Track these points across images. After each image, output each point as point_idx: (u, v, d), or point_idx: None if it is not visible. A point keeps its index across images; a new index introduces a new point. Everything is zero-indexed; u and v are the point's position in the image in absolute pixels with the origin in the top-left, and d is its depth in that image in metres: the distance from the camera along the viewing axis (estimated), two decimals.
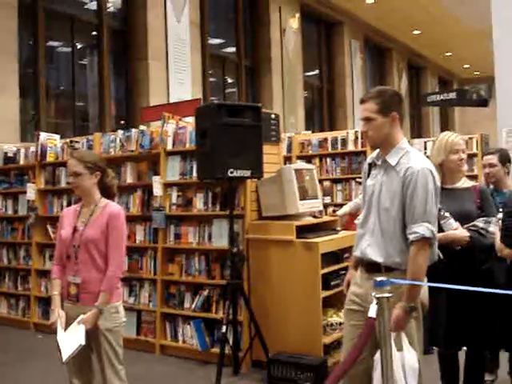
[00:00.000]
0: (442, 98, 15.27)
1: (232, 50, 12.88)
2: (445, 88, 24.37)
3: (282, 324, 4.79)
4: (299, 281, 4.70)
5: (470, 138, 7.75)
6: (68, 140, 6.56)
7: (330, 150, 7.63)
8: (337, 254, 4.96)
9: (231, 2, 12.87)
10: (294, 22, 13.90)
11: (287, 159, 7.56)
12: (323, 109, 16.07)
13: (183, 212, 5.50)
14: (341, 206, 6.18)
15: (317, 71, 16.04)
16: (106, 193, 3.45)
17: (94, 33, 9.92)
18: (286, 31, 13.59)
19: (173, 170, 5.55)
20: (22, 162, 6.91)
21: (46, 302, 6.44)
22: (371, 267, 2.90)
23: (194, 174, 5.31)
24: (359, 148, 7.33)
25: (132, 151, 5.82)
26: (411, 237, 2.75)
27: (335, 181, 7.60)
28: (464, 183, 3.67)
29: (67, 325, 3.20)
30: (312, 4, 14.71)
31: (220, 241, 5.22)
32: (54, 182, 6.57)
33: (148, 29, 10.08)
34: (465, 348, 3.66)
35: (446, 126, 24.43)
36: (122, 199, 5.87)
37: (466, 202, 3.56)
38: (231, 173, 4.58)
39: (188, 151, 5.43)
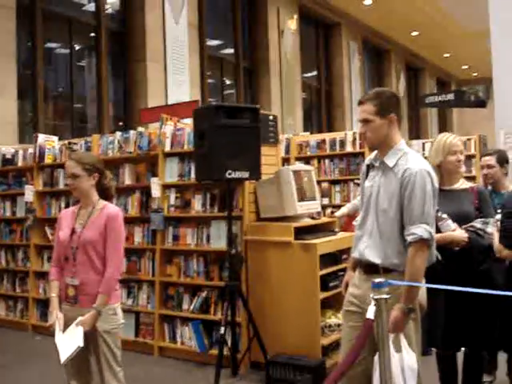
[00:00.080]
0: (440, 99, 15.29)
1: (230, 51, 12.89)
2: (443, 89, 24.41)
3: (281, 325, 4.79)
4: (297, 282, 4.70)
5: (468, 139, 7.76)
6: (66, 142, 6.56)
7: (328, 151, 7.63)
8: (335, 256, 4.96)
9: (229, 4, 12.90)
10: (292, 24, 13.92)
11: (285, 160, 7.56)
12: (321, 110, 16.09)
13: (181, 213, 5.50)
14: (339, 207, 6.17)
15: (315, 72, 16.06)
16: (104, 194, 3.45)
17: (92, 34, 9.93)
18: (284, 32, 13.61)
19: (171, 171, 5.55)
20: (20, 164, 6.90)
21: (44, 304, 6.43)
22: (369, 268, 2.91)
23: (192, 175, 5.31)
24: (357, 149, 7.33)
25: (130, 153, 5.82)
26: (409, 238, 2.75)
27: (333, 182, 7.60)
28: (462, 184, 3.67)
29: (65, 327, 3.20)
30: (310, 5, 14.74)
31: (218, 242, 5.22)
32: (52, 183, 6.56)
33: (146, 30, 10.10)
34: (463, 349, 3.66)
35: (444, 127, 24.47)
36: (121, 201, 5.86)
37: (464, 203, 3.56)
38: (229, 174, 4.58)
39: (186, 153, 5.43)
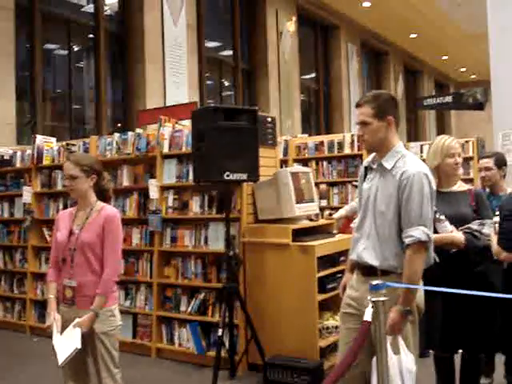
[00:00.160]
0: (438, 101, 15.30)
1: (229, 53, 12.89)
2: (441, 91, 24.42)
3: (278, 327, 4.79)
4: (295, 284, 4.70)
5: (466, 142, 7.77)
6: (64, 143, 6.55)
7: (326, 153, 7.64)
8: (333, 258, 4.96)
9: (228, 5, 12.90)
10: (290, 26, 13.92)
11: (284, 162, 7.55)
12: (320, 112, 16.09)
13: (179, 215, 5.50)
14: (337, 209, 6.17)
15: (313, 74, 16.06)
16: (102, 196, 3.45)
17: (91, 35, 9.92)
18: (283, 34, 13.61)
19: (169, 173, 5.56)
20: (18, 165, 6.89)
21: (41, 306, 6.42)
22: (367, 271, 2.91)
23: (191, 177, 5.31)
24: (355, 151, 7.34)
25: (128, 154, 5.82)
26: (407, 240, 2.76)
27: (331, 184, 7.60)
28: (459, 187, 3.67)
29: (63, 328, 3.19)
30: (309, 7, 14.74)
31: (216, 244, 5.22)
32: (50, 184, 6.56)
33: (145, 32, 10.09)
34: (461, 351, 3.66)
35: (442, 129, 24.49)
36: (119, 202, 5.86)
37: (462, 205, 3.56)
38: (227, 176, 4.58)
39: (184, 154, 5.43)
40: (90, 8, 9.93)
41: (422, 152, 7.59)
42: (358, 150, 7.26)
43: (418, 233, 2.73)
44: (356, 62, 17.07)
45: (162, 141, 5.55)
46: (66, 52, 9.67)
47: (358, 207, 3.15)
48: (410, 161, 2.86)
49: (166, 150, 5.56)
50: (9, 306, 6.88)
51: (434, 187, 2.89)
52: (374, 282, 2.50)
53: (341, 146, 7.49)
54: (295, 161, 7.84)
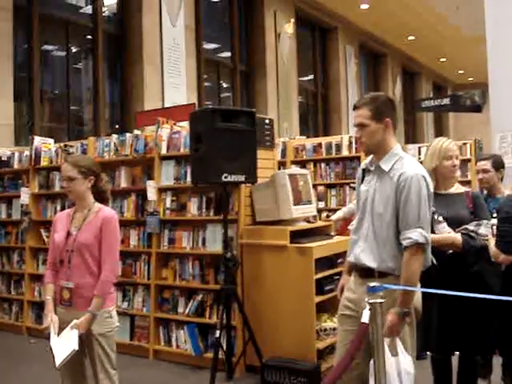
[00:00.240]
0: (436, 103, 15.34)
1: (227, 54, 12.90)
2: (439, 93, 24.48)
3: (276, 329, 4.79)
4: (293, 286, 4.70)
5: (464, 144, 7.76)
6: (62, 144, 6.55)
7: (324, 155, 7.65)
8: (331, 259, 4.96)
9: (226, 7, 12.91)
10: (288, 27, 13.94)
11: (281, 164, 7.56)
12: (318, 114, 16.10)
13: (177, 216, 5.50)
14: (335, 211, 6.19)
15: (311, 76, 16.08)
16: (100, 197, 3.45)
17: (89, 37, 9.92)
18: (281, 36, 13.62)
19: (167, 174, 5.55)
20: (16, 166, 6.89)
21: (39, 307, 6.41)
22: (365, 272, 2.91)
23: (189, 178, 5.31)
24: (353, 153, 7.34)
25: (126, 155, 5.81)
26: (405, 242, 2.76)
27: (329, 186, 7.61)
28: (457, 189, 3.68)
29: (60, 330, 3.19)
30: (307, 9, 14.76)
31: (214, 245, 5.22)
32: (48, 186, 6.55)
33: (143, 33, 10.09)
34: (458, 353, 3.66)
35: (440, 131, 24.54)
36: (116, 203, 5.86)
37: (459, 207, 3.57)
38: (225, 177, 4.58)
39: (182, 156, 5.43)
40: (89, 9, 9.93)
41: (419, 154, 7.59)
42: (356, 152, 7.27)
43: (415, 235, 2.74)
44: (354, 63, 17.08)
45: (160, 142, 5.55)
46: (64, 53, 9.67)
47: (355, 209, 3.16)
48: (407, 163, 2.87)
49: (164, 151, 5.55)
50: (6, 308, 6.87)
51: (432, 189, 2.89)
52: (372, 284, 2.51)
53: (339, 147, 7.50)
54: (293, 163, 7.84)
